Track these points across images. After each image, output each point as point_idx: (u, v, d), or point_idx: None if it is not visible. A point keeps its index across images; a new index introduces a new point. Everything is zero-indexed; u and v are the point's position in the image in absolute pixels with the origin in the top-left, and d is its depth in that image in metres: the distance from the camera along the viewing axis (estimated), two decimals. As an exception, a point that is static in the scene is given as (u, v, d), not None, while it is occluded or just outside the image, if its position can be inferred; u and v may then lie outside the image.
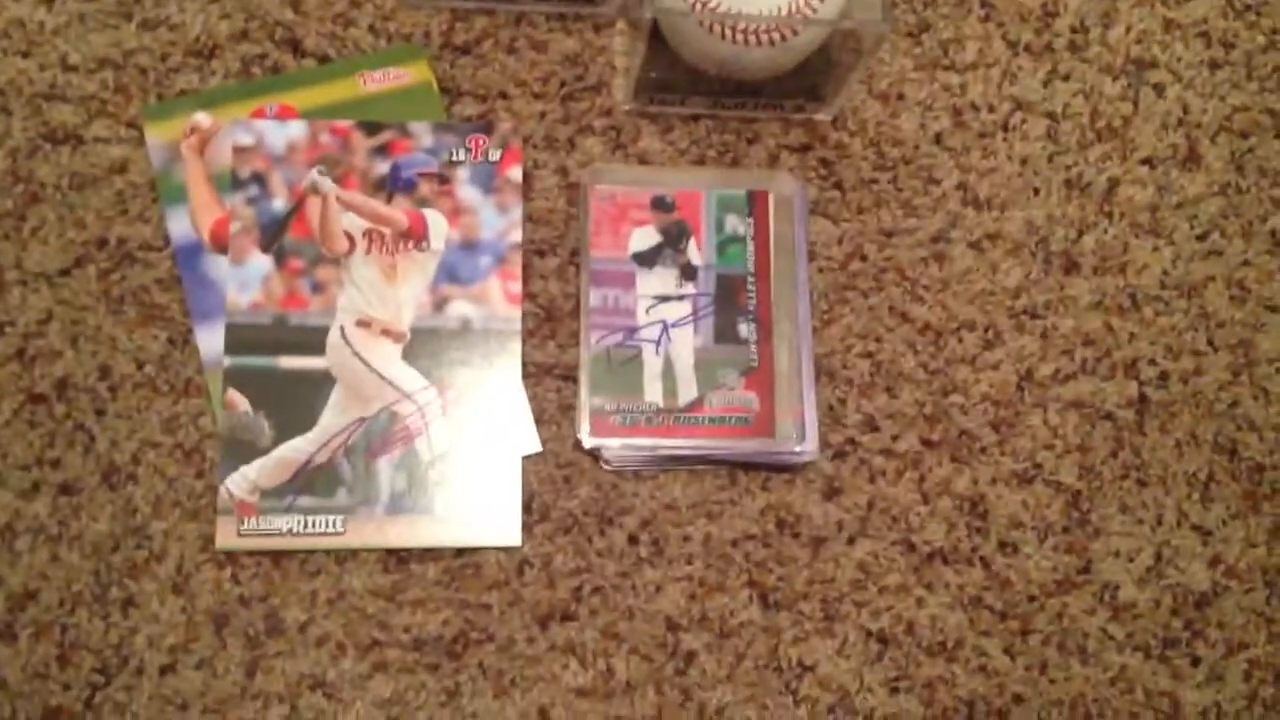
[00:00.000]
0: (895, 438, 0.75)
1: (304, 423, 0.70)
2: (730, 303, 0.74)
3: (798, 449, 0.72)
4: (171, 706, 0.68)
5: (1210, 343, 0.77)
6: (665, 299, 0.74)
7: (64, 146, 0.75)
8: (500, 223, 0.74)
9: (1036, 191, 0.79)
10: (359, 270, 0.73)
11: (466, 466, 0.71)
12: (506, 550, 0.71)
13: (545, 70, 0.78)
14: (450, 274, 0.73)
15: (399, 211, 0.74)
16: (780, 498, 0.73)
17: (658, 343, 0.73)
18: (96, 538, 0.70)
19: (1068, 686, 0.72)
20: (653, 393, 0.72)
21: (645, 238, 0.74)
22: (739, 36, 0.68)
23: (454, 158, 0.75)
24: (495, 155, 0.75)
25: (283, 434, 0.70)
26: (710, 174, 0.76)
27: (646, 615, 0.71)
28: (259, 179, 0.73)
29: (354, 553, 0.70)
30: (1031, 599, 0.73)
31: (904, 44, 0.81)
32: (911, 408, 0.75)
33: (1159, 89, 0.81)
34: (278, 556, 0.70)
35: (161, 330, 0.73)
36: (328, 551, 0.70)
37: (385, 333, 0.72)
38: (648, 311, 0.73)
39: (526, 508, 0.72)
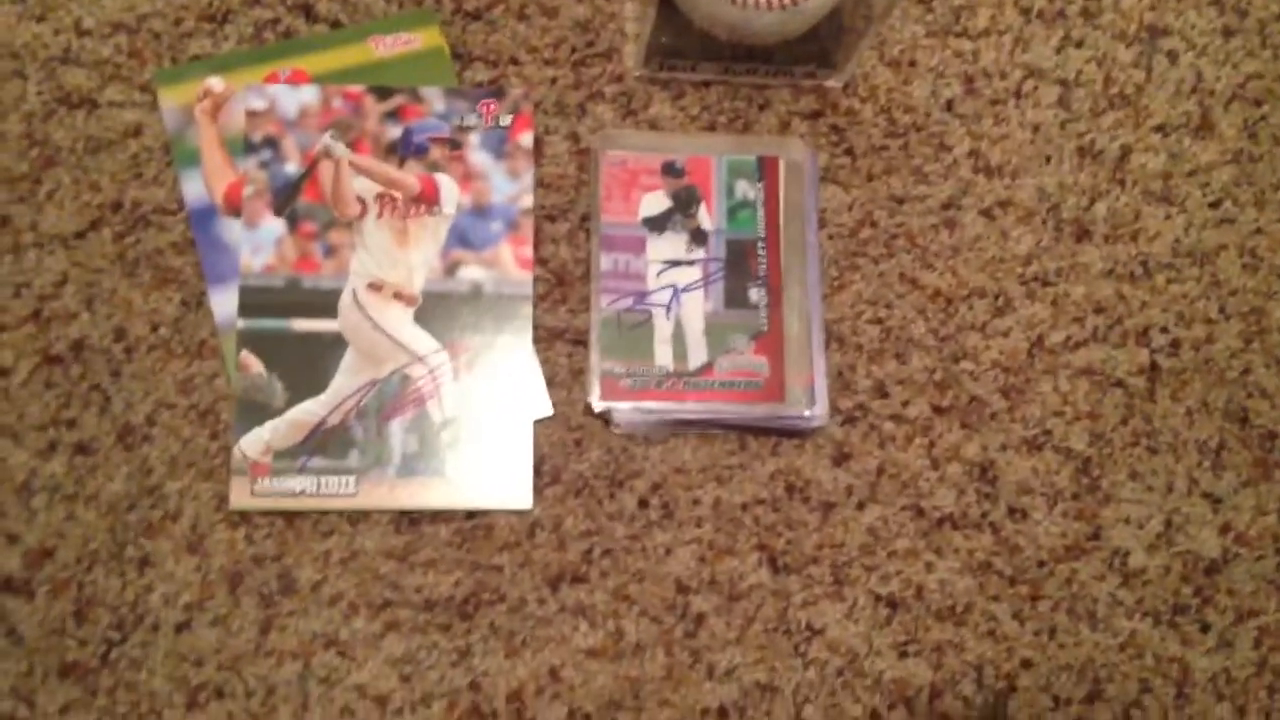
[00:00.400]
0: (905, 403, 0.75)
1: (317, 385, 0.71)
2: (740, 268, 0.74)
3: (807, 414, 0.72)
4: (186, 663, 0.69)
5: (1222, 310, 0.77)
6: (675, 264, 0.74)
7: (79, 110, 0.75)
8: (511, 188, 0.74)
9: (1048, 159, 0.79)
10: (371, 234, 0.73)
11: (478, 429, 0.71)
12: (517, 512, 0.72)
13: (556, 36, 0.78)
14: (461, 238, 0.73)
15: (410, 176, 0.74)
16: (790, 462, 0.73)
17: (668, 307, 0.73)
18: (112, 497, 0.71)
19: (1076, 652, 0.72)
20: (663, 357, 0.72)
21: (656, 203, 0.75)
22: (749, 0, 0.68)
23: (465, 123, 0.75)
24: (506, 120, 0.75)
25: (296, 396, 0.71)
26: (721, 139, 0.76)
27: (656, 578, 0.71)
28: (272, 143, 0.74)
29: (366, 514, 0.71)
30: (1041, 564, 0.73)
31: (915, 10, 0.80)
32: (921, 374, 0.75)
33: (1172, 56, 0.81)
34: (291, 517, 0.71)
35: (176, 293, 0.73)
36: (340, 512, 0.71)
37: (397, 296, 0.72)
38: (658, 276, 0.74)
39: (537, 470, 0.72)
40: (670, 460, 0.73)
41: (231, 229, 0.73)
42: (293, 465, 0.70)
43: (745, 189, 0.75)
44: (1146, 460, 0.75)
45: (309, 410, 0.70)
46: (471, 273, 0.73)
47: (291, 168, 0.74)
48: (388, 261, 0.73)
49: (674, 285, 0.73)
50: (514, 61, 0.78)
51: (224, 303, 0.72)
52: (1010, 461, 0.74)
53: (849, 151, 0.78)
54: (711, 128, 0.78)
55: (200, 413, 0.72)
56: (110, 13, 0.77)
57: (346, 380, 0.71)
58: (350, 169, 0.74)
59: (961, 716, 0.71)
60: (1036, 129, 0.79)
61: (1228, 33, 0.82)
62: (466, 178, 0.74)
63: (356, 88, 0.75)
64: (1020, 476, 0.74)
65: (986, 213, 0.78)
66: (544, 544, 0.71)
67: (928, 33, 0.80)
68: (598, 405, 0.71)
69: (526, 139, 0.75)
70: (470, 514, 0.71)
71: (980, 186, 0.78)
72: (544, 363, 0.74)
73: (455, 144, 0.75)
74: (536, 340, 0.74)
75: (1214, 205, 0.79)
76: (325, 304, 0.72)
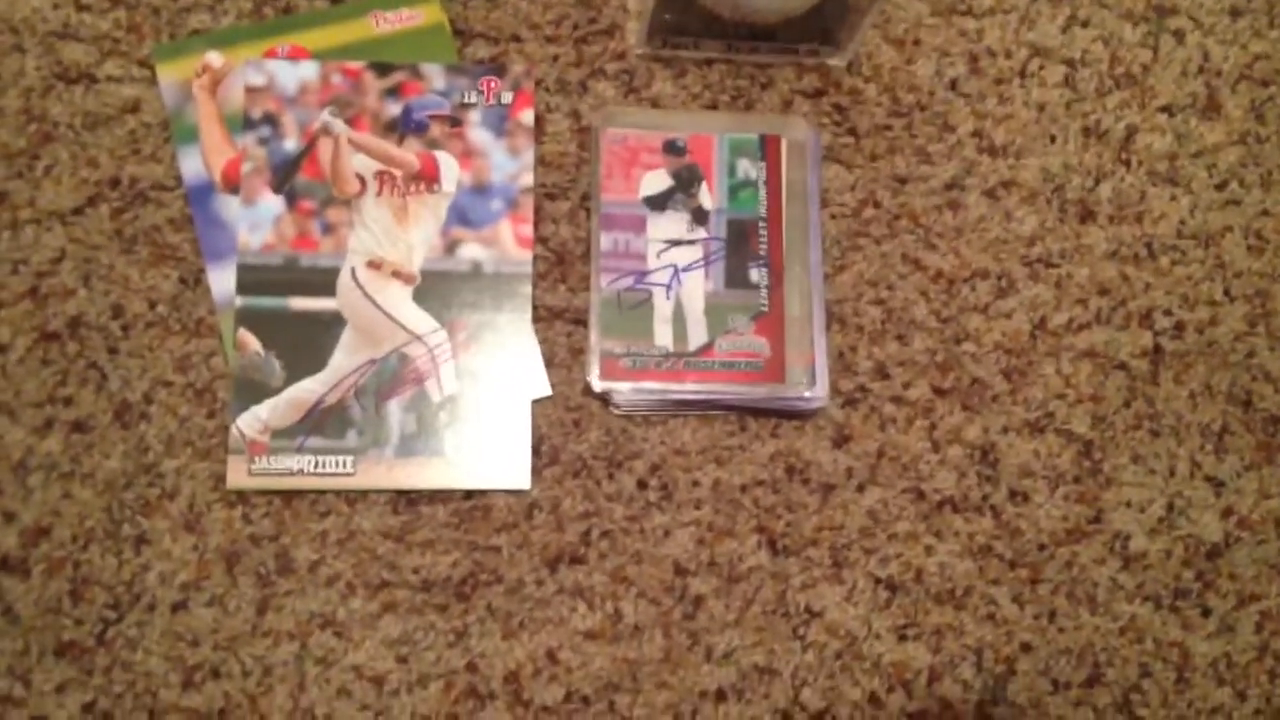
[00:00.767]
0: (906, 385, 0.74)
1: (315, 363, 0.70)
2: (741, 247, 0.73)
3: (808, 395, 0.71)
4: (183, 643, 0.69)
5: (1227, 293, 0.77)
6: (676, 243, 0.73)
7: (77, 86, 0.75)
8: (512, 166, 0.74)
9: (1053, 139, 0.78)
10: (370, 212, 0.72)
11: (476, 409, 0.71)
12: (516, 493, 0.71)
13: (558, 13, 0.78)
14: (461, 217, 0.73)
15: (410, 153, 0.73)
16: (790, 444, 0.73)
17: (668, 287, 0.73)
18: (109, 475, 0.70)
19: (1077, 636, 0.72)
20: (663, 337, 0.72)
21: (656, 181, 0.74)
22: (753, -24, 0.68)
23: (466, 100, 0.74)
24: (507, 98, 0.75)
25: (294, 374, 0.70)
26: (723, 118, 0.76)
27: (655, 559, 0.71)
28: (270, 120, 0.73)
29: (364, 494, 0.71)
30: (1041, 548, 0.73)
31: (921, -11, 0.80)
32: (923, 355, 0.75)
33: (1179, 36, 0.80)
34: (288, 496, 0.70)
35: (173, 270, 0.73)
36: (338, 492, 0.71)
37: (396, 274, 0.72)
38: (658, 255, 0.73)
39: (536, 451, 0.72)
40: (670, 441, 0.73)
41: (229, 206, 0.73)
42: (290, 444, 0.69)
43: (747, 168, 0.75)
44: (1149, 443, 0.75)
45: (307, 389, 0.70)
46: (471, 251, 0.73)
47: (290, 144, 0.73)
48: (387, 240, 0.72)
49: (674, 265, 0.73)
50: (515, 38, 0.77)
51: (222, 280, 0.72)
52: (1011, 444, 0.74)
53: (852, 131, 0.77)
54: (713, 106, 0.77)
55: (198, 391, 0.71)
56: (107, -13, 0.76)
57: (345, 359, 0.71)
58: (349, 146, 0.73)
59: (961, 700, 0.71)
60: (1041, 109, 0.78)
61: (1235, 13, 0.81)
62: (466, 155, 0.74)
63: (356, 64, 0.74)
64: (1021, 459, 0.74)
65: (990, 193, 0.77)
66: (542, 525, 0.71)
67: (932, 11, 0.79)
68: (597, 385, 0.71)
69: (527, 116, 0.75)
70: (468, 494, 0.71)
71: (984, 167, 0.77)
72: (543, 342, 0.73)
73: (455, 121, 0.74)
74: (536, 320, 0.73)
75: (1220, 187, 0.78)
76: (324, 282, 0.71)
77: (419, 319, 0.72)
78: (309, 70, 0.74)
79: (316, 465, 0.70)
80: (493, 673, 0.69)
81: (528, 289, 0.73)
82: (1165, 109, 0.79)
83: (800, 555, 0.72)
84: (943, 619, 0.72)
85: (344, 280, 0.72)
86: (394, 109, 0.74)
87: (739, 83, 0.77)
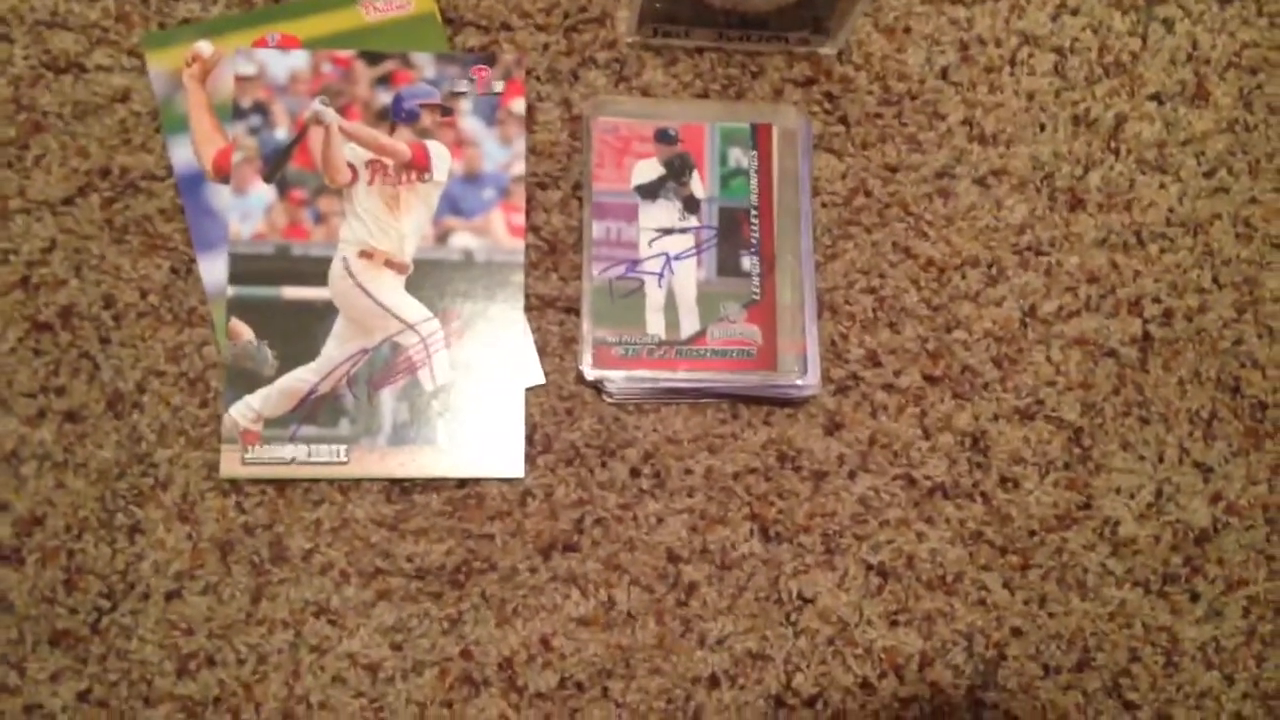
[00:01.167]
0: (897, 373, 0.75)
1: (307, 353, 0.70)
2: (733, 236, 0.74)
3: (799, 382, 0.72)
4: (177, 631, 0.69)
5: (1215, 280, 0.77)
6: (668, 231, 0.73)
7: (66, 75, 0.74)
8: (503, 155, 0.74)
9: (1043, 127, 0.78)
10: (361, 201, 0.72)
11: (469, 398, 0.71)
12: (509, 481, 0.72)
13: (549, 1, 0.78)
14: (453, 206, 0.73)
15: (401, 142, 0.73)
16: (782, 431, 0.73)
17: (660, 275, 0.73)
18: (102, 465, 0.70)
19: (1066, 621, 0.73)
20: (655, 325, 0.72)
21: (648, 170, 0.74)
22: (744, -35, 0.68)
23: (457, 89, 0.74)
24: (498, 87, 0.75)
25: (286, 364, 0.70)
26: (714, 106, 0.76)
27: (648, 546, 0.71)
28: (261, 109, 0.73)
29: (357, 482, 0.71)
30: (1032, 534, 0.73)
31: (911, -23, 0.80)
32: (914, 343, 0.75)
33: (1168, 24, 0.80)
34: (282, 485, 0.71)
35: (165, 259, 0.73)
36: (331, 481, 0.71)
37: (388, 264, 0.72)
38: (650, 244, 0.73)
39: (529, 439, 0.72)
40: (662, 429, 0.73)
41: (220, 195, 0.73)
42: (283, 433, 0.70)
43: (738, 156, 0.75)
44: (1138, 430, 0.75)
45: (299, 378, 0.70)
46: (463, 240, 0.73)
47: (281, 134, 0.73)
48: (378, 229, 0.72)
49: (666, 253, 0.73)
50: (506, 27, 0.77)
51: (213, 270, 0.72)
52: (1002, 431, 0.74)
53: (843, 119, 0.77)
54: (704, 95, 0.77)
55: (190, 380, 0.71)
56: (97, -24, 0.76)
57: (337, 348, 0.71)
58: (341, 135, 0.73)
59: (952, 685, 0.72)
60: (1031, 97, 0.79)
61: (1223, 1, 0.81)
62: (458, 144, 0.74)
63: (347, 53, 0.74)
64: (1012, 446, 0.74)
65: (980, 181, 0.77)
66: (535, 513, 0.71)
67: None
68: (590, 374, 0.71)
69: (518, 105, 0.75)
70: (461, 483, 0.71)
71: (974, 155, 0.77)
72: (536, 331, 0.73)
73: (446, 110, 0.74)
74: (528, 308, 0.73)
75: (1208, 174, 0.78)
76: (315, 271, 0.71)
77: (411, 308, 0.72)
78: (299, 59, 0.74)
79: (309, 454, 0.70)
80: (487, 660, 0.70)
81: (520, 278, 0.73)
82: (1154, 97, 0.79)
83: (792, 542, 0.72)
84: (934, 605, 0.72)
85: (336, 269, 0.72)
86: (385, 98, 0.74)
87: (730, 71, 0.77)
